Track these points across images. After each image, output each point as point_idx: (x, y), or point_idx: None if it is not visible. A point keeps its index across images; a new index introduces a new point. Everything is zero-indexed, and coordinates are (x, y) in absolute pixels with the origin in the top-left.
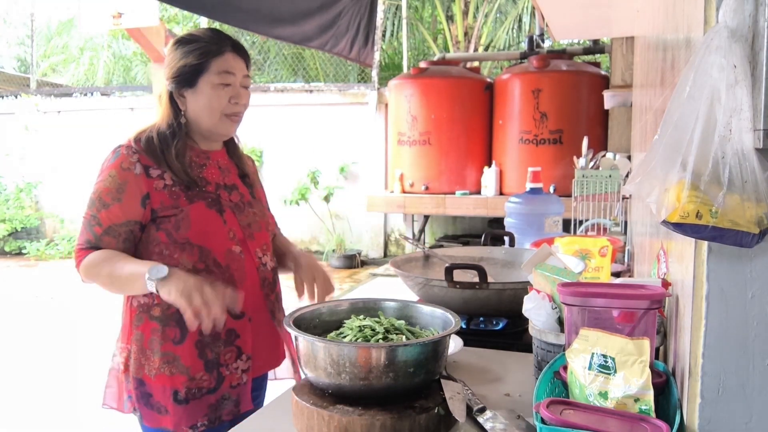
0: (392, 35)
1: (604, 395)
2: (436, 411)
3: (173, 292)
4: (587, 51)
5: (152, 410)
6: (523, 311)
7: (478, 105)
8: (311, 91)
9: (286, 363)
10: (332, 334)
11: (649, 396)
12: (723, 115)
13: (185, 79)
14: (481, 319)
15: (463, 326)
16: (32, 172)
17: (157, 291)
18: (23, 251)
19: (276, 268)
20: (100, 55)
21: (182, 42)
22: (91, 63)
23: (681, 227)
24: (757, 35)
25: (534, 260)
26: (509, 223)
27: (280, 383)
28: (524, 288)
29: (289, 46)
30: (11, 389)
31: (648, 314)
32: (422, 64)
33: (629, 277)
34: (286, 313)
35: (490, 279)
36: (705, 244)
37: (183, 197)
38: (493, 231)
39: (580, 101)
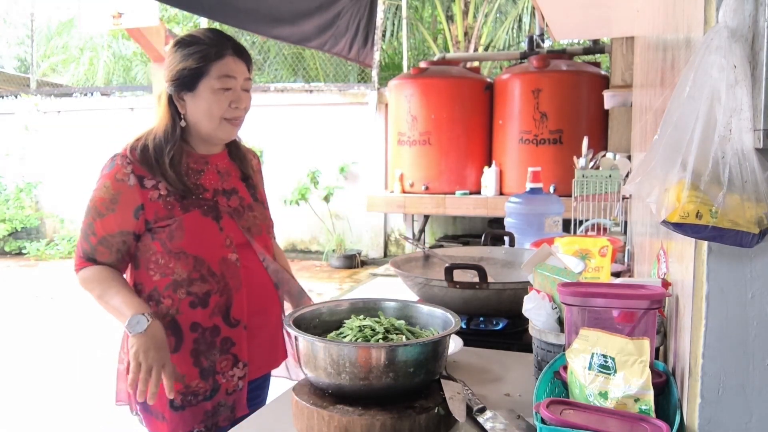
0: (392, 35)
1: (604, 395)
2: (436, 411)
3: (133, 349)
4: (587, 51)
5: (151, 416)
6: (523, 311)
7: (478, 105)
8: (311, 91)
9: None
10: (332, 334)
11: (649, 396)
12: (723, 115)
13: (185, 82)
14: (481, 319)
15: (463, 326)
16: (32, 172)
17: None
18: (23, 251)
19: (278, 270)
20: (100, 55)
21: (182, 44)
22: (91, 63)
23: (681, 227)
24: (757, 35)
25: (534, 260)
26: (509, 223)
27: (280, 382)
28: (524, 288)
29: (289, 46)
30: (11, 389)
31: (648, 314)
32: (422, 64)
33: (629, 277)
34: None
35: (490, 279)
36: (705, 244)
37: (178, 207)
38: (493, 231)
39: (580, 101)
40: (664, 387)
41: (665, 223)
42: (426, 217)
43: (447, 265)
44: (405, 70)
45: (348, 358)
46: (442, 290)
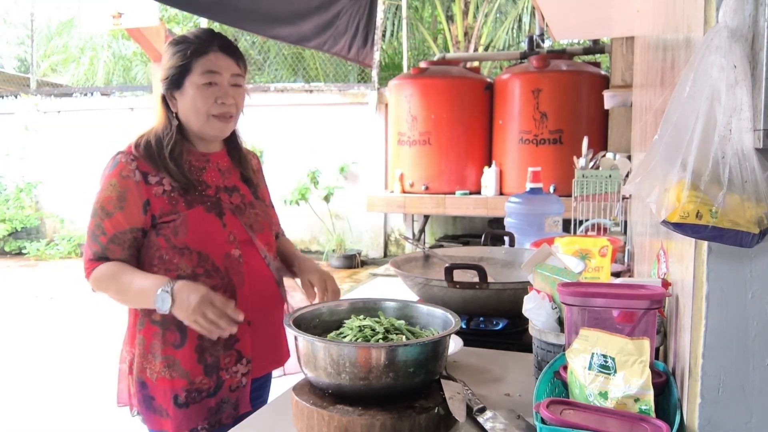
0: (392, 35)
1: (604, 395)
2: (436, 411)
3: (184, 321)
4: (587, 51)
5: (155, 414)
6: (523, 311)
7: (478, 105)
8: (311, 91)
9: (293, 359)
10: (332, 334)
11: (649, 396)
12: (723, 115)
13: (173, 81)
14: (481, 319)
15: (463, 326)
16: (32, 172)
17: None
18: (23, 251)
19: (280, 269)
20: (100, 55)
21: (172, 44)
22: (91, 63)
23: (681, 227)
24: (757, 35)
25: (534, 260)
26: (509, 223)
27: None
28: (524, 288)
29: (289, 46)
30: (11, 390)
31: (648, 314)
32: (422, 64)
33: (629, 277)
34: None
35: (490, 279)
36: (705, 244)
37: (182, 202)
38: (493, 231)
39: (580, 101)
40: (664, 387)
41: (665, 223)
42: (426, 217)
43: (447, 265)
44: (405, 70)
45: (348, 358)
46: (442, 290)
